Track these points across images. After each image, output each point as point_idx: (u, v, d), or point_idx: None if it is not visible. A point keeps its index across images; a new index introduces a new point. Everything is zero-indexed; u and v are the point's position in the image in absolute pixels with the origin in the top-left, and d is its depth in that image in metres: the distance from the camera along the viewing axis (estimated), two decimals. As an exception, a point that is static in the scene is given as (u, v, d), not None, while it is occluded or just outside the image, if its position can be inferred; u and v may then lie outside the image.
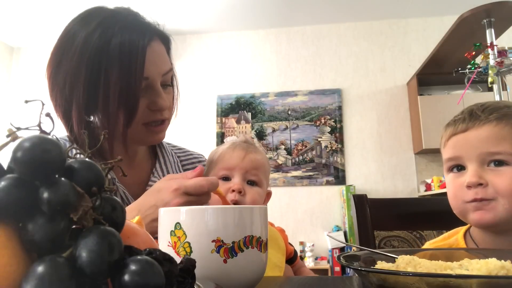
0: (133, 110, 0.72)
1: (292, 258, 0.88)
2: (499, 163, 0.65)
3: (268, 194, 0.88)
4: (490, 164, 0.65)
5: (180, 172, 0.91)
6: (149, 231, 0.60)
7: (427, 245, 0.81)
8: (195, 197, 0.64)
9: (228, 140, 0.86)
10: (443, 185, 3.32)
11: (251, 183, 0.81)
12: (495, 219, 0.64)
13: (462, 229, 0.76)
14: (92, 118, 0.76)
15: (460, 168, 0.69)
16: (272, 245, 0.80)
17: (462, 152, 0.67)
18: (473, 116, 0.68)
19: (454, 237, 0.76)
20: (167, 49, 0.82)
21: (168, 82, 0.80)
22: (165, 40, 0.81)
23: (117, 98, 0.70)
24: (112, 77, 0.70)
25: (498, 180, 0.63)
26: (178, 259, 0.26)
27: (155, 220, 0.56)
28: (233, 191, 0.77)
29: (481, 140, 0.65)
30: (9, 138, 0.22)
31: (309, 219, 3.88)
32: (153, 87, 0.75)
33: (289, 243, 0.88)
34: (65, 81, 0.72)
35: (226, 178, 0.81)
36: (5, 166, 0.23)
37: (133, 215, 0.63)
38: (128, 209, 0.66)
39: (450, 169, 0.71)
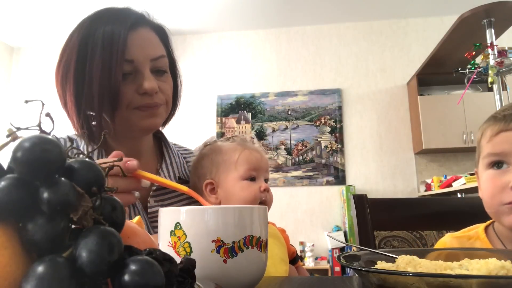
0: (115, 91, 0.72)
1: (295, 259, 0.88)
2: None
3: None
4: None
5: (186, 173, 0.91)
6: None
7: (447, 236, 0.79)
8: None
9: (224, 140, 0.87)
10: (443, 185, 3.32)
11: (265, 181, 0.86)
12: None
13: (484, 224, 0.74)
14: (84, 110, 0.76)
15: (501, 165, 0.66)
16: (274, 241, 0.80)
17: (511, 149, 0.64)
18: None
19: (475, 230, 0.74)
20: (161, 38, 0.82)
21: (163, 69, 0.80)
22: (157, 29, 0.81)
23: (99, 80, 0.71)
24: (94, 62, 0.72)
25: None
26: (178, 259, 0.26)
27: None
28: (264, 190, 0.81)
29: None
30: (9, 138, 0.22)
31: (309, 219, 3.89)
32: (139, 71, 0.75)
33: (291, 244, 0.89)
34: (61, 76, 0.76)
35: (252, 179, 0.83)
36: (5, 166, 0.23)
37: None
38: None
39: (490, 165, 0.67)
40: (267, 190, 0.82)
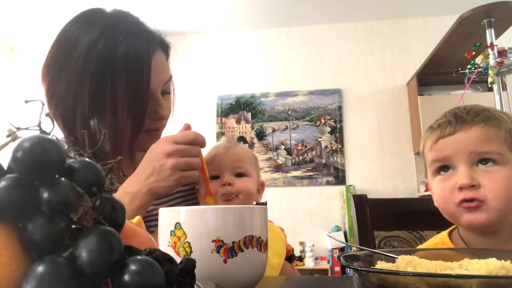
0: (141, 120, 0.73)
1: (291, 258, 0.88)
2: (487, 162, 0.66)
3: (262, 185, 0.89)
4: (479, 164, 0.67)
5: None
6: (152, 192, 0.67)
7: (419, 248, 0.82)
8: (184, 146, 0.68)
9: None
10: (443, 185, 3.31)
11: (239, 175, 0.83)
12: (488, 220, 0.64)
13: (447, 230, 0.77)
14: (96, 125, 0.75)
15: (447, 169, 0.70)
16: (272, 234, 0.81)
17: (452, 153, 0.68)
18: (459, 119, 0.70)
19: (439, 237, 0.77)
20: (166, 57, 0.82)
21: (168, 90, 0.81)
22: (165, 48, 0.81)
23: (126, 108, 0.70)
24: (119, 87, 0.70)
25: (489, 181, 0.64)
26: (178, 259, 0.26)
27: (156, 187, 0.67)
28: (224, 185, 0.79)
29: (470, 141, 0.67)
30: (9, 138, 0.22)
31: (309, 219, 3.88)
32: (154, 97, 0.76)
33: (287, 244, 0.89)
34: (68, 89, 0.71)
35: (216, 177, 0.82)
36: (5, 166, 0.23)
37: (133, 187, 0.68)
38: (128, 181, 0.70)
39: (437, 172, 0.72)
40: (227, 184, 0.79)
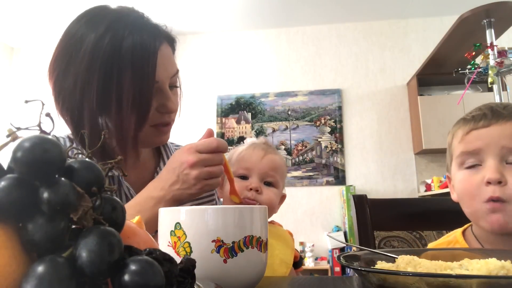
0: (145, 114, 0.73)
1: (298, 263, 0.88)
2: None
3: (283, 197, 0.89)
4: (508, 161, 0.65)
5: None
6: (175, 198, 0.69)
7: (429, 246, 0.80)
8: (207, 155, 0.69)
9: (248, 141, 0.96)
10: (443, 185, 3.31)
11: (268, 183, 0.82)
12: (508, 225, 0.62)
13: (461, 228, 0.76)
14: (103, 120, 0.75)
15: (475, 163, 0.68)
16: (282, 243, 0.80)
17: (483, 145, 0.66)
18: (495, 112, 0.67)
19: (453, 235, 0.76)
20: (173, 51, 0.82)
21: (175, 84, 0.81)
22: (171, 41, 0.81)
23: (131, 102, 0.70)
24: (125, 81, 0.70)
25: None
26: (178, 259, 0.26)
27: (179, 194, 0.69)
28: (251, 189, 0.79)
29: (504, 136, 0.65)
30: (9, 138, 0.22)
31: (309, 219, 3.88)
32: (162, 90, 0.76)
33: (295, 249, 0.88)
34: (76, 84, 0.71)
35: (244, 177, 0.82)
36: (5, 166, 0.23)
37: (157, 192, 0.70)
38: (152, 185, 0.71)
39: (464, 164, 0.69)
40: (255, 190, 0.79)
